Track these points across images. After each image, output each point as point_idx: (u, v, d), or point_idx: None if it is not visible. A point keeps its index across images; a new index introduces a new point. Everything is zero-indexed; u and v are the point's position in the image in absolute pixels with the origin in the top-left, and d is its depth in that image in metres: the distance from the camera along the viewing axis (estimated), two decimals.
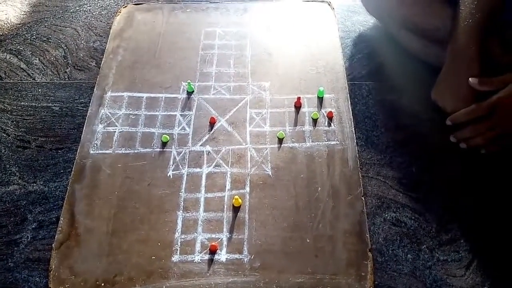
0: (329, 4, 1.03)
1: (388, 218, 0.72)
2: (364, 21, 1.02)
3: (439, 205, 0.73)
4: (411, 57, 0.89)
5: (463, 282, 0.65)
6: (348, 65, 0.92)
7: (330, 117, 0.82)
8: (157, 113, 0.83)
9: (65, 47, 0.97)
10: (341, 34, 0.98)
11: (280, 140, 0.79)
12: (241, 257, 0.67)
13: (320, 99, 0.85)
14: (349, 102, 0.85)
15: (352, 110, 0.84)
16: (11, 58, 0.95)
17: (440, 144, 0.79)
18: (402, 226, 0.71)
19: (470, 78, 0.72)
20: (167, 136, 0.79)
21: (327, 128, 0.81)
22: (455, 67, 0.73)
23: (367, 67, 0.92)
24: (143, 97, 0.86)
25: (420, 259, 0.68)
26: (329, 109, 0.83)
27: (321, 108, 0.84)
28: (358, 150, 0.78)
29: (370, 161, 0.78)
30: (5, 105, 0.86)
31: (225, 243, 0.68)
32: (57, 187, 0.75)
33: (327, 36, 0.96)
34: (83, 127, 0.81)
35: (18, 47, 0.97)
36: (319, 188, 0.73)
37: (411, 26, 0.77)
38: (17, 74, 0.92)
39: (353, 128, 0.81)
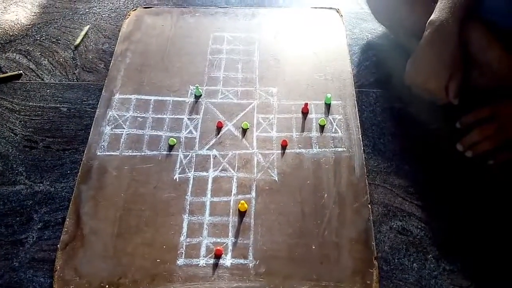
0: (337, 11, 1.04)
1: (394, 226, 0.72)
2: (373, 28, 1.02)
3: (446, 214, 0.73)
4: None
5: None
6: (356, 72, 0.92)
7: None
8: (164, 116, 0.83)
9: (74, 49, 0.97)
10: (349, 41, 0.98)
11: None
12: (246, 262, 0.66)
13: (328, 106, 0.85)
14: (357, 109, 0.85)
15: (359, 117, 0.84)
16: (21, 58, 0.95)
17: (447, 153, 0.78)
18: (408, 235, 0.71)
19: (457, 146, 0.76)
20: (174, 139, 0.79)
21: (334, 134, 0.81)
22: (431, 40, 0.73)
23: (375, 74, 0.92)
24: (150, 100, 0.86)
25: (426, 268, 0.67)
26: (337, 115, 0.84)
27: (328, 114, 0.84)
28: (365, 157, 0.78)
29: (376, 169, 0.78)
30: (14, 105, 0.87)
31: (230, 247, 0.68)
32: (64, 187, 0.75)
33: (335, 43, 0.97)
34: (90, 128, 0.81)
35: (28, 47, 0.97)
36: (325, 195, 0.73)
37: (421, 35, 0.77)
38: (26, 74, 0.92)
39: (360, 136, 0.81)
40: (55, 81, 0.91)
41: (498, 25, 0.75)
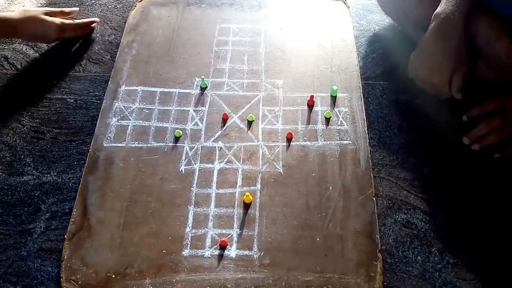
0: (344, 3, 1.03)
1: (399, 219, 0.72)
2: (380, 20, 1.01)
3: (451, 208, 0.73)
4: None
5: (473, 286, 0.65)
6: (362, 65, 0.92)
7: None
8: (170, 108, 0.84)
9: (80, 40, 0.97)
10: (356, 33, 0.97)
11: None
12: (251, 253, 0.67)
13: (334, 98, 0.85)
14: (363, 102, 0.84)
15: (365, 110, 0.83)
16: (27, 49, 0.95)
17: (453, 146, 0.78)
18: (413, 228, 0.71)
19: (464, 139, 0.75)
20: (180, 131, 0.79)
21: (339, 127, 0.81)
22: (436, 34, 0.73)
23: (381, 67, 0.92)
24: (156, 91, 0.86)
25: (430, 261, 0.68)
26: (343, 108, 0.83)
27: (334, 107, 0.84)
28: (370, 150, 0.78)
29: (382, 162, 0.78)
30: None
31: (235, 239, 0.68)
32: (71, 178, 0.76)
33: (342, 35, 0.96)
34: (97, 119, 0.82)
35: None
36: (330, 188, 0.73)
37: (428, 27, 0.76)
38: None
39: (365, 128, 0.81)
40: (61, 72, 0.91)
41: (505, 16, 0.74)
